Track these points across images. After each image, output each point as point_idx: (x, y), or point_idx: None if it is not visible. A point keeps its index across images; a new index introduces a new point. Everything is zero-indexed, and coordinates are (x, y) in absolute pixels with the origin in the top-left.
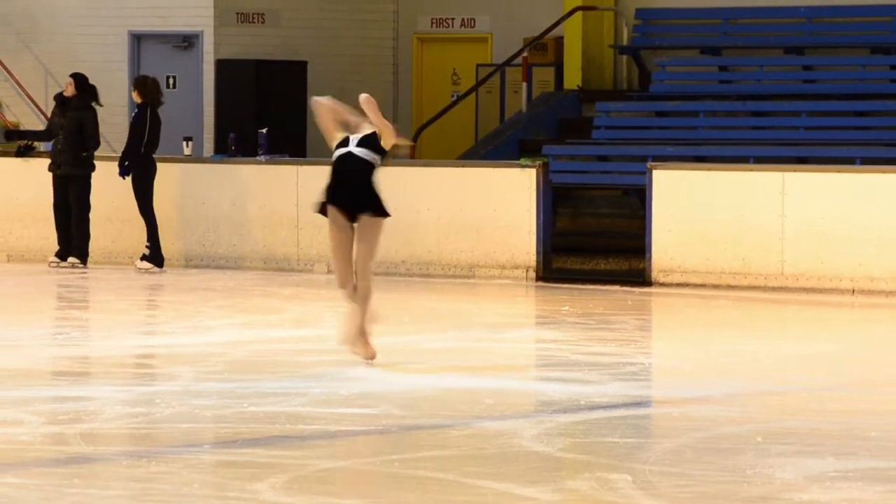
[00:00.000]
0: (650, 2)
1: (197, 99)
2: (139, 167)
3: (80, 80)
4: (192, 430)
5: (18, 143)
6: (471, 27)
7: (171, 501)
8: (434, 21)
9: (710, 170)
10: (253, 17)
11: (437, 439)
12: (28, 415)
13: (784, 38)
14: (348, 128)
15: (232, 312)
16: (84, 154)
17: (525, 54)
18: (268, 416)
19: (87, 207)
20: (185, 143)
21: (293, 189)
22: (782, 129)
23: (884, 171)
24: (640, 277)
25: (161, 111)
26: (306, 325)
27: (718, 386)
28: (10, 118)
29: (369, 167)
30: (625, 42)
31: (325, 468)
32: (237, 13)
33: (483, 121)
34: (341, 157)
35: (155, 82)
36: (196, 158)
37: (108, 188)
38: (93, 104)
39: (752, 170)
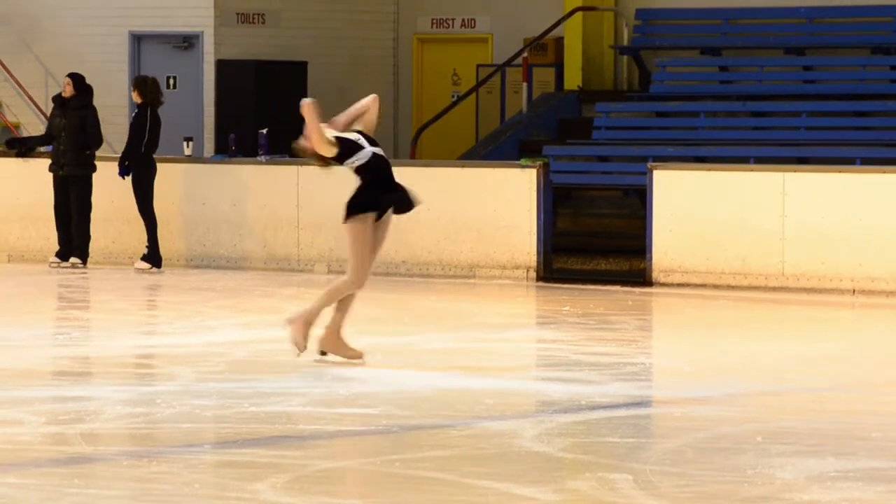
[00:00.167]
0: (650, 2)
1: (197, 99)
2: (139, 167)
3: (77, 79)
4: (193, 431)
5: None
6: (471, 28)
7: (171, 501)
8: (434, 21)
9: (710, 170)
10: (253, 18)
11: (437, 439)
12: (28, 415)
13: (784, 38)
14: (337, 126)
15: (232, 313)
16: (87, 153)
17: (525, 55)
18: (268, 416)
19: (89, 208)
20: (185, 143)
21: (293, 189)
22: (783, 129)
23: (884, 172)
24: (640, 278)
25: (161, 111)
26: None
27: (719, 386)
28: (11, 118)
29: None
30: (625, 42)
31: (325, 468)
32: (237, 14)
33: (483, 121)
34: (378, 158)
35: (155, 82)
36: (196, 159)
37: (109, 188)
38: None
39: (752, 170)
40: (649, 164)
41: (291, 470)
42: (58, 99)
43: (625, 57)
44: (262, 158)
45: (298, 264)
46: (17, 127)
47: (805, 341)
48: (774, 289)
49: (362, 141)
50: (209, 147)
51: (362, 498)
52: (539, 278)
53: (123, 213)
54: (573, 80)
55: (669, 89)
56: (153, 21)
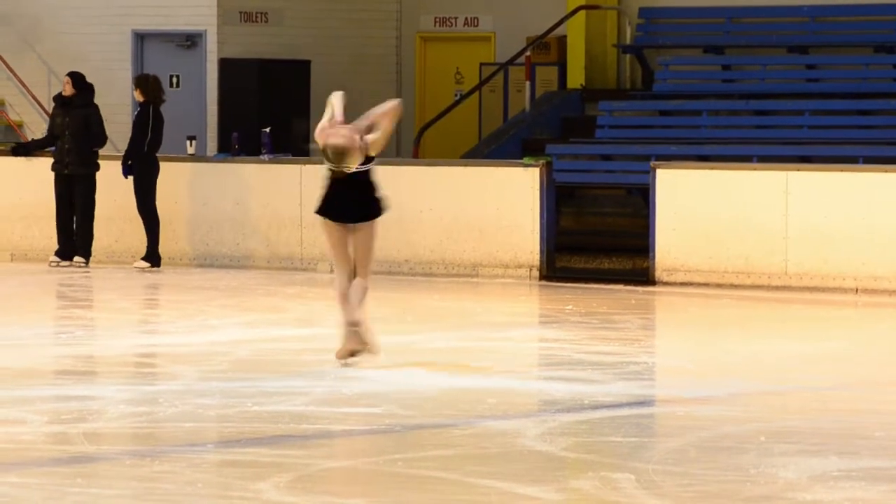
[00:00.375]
0: (653, 1)
1: (200, 98)
2: (142, 166)
3: (77, 78)
4: (196, 430)
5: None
6: (474, 26)
7: (174, 501)
8: (437, 20)
9: (713, 169)
10: (256, 17)
11: (440, 439)
12: (31, 414)
13: (787, 37)
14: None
15: (235, 312)
16: (93, 151)
17: (528, 53)
18: (271, 415)
19: (93, 206)
20: (188, 142)
21: (296, 188)
22: (786, 128)
23: (887, 170)
24: (643, 276)
25: (164, 110)
26: (310, 325)
27: (722, 385)
28: (13, 117)
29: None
30: (628, 41)
31: (328, 467)
32: (240, 12)
33: (486, 120)
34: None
35: (156, 80)
36: (199, 158)
37: (111, 187)
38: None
39: (755, 169)
40: (652, 163)
41: (294, 469)
42: (59, 98)
43: (628, 55)
44: (265, 157)
45: (301, 263)
46: (20, 126)
47: (808, 340)
48: (777, 288)
49: None
50: (212, 146)
51: (365, 497)
52: (542, 277)
53: (126, 212)
54: (576, 78)
55: (672, 88)
56: (156, 20)
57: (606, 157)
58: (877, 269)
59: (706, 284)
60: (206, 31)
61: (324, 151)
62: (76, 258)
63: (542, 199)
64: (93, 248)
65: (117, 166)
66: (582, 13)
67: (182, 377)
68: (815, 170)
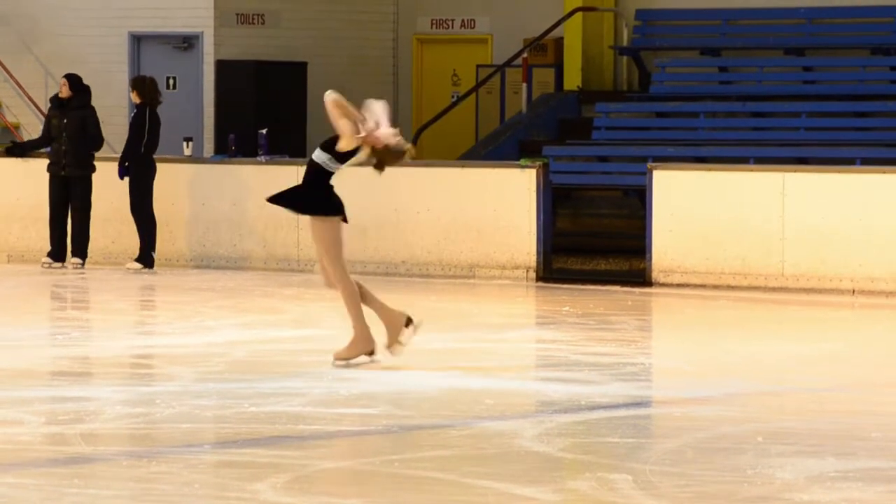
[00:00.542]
0: (650, 3)
1: (197, 100)
2: (139, 167)
3: (74, 79)
4: (193, 431)
5: (11, 142)
6: (471, 28)
7: (171, 501)
8: (434, 22)
9: (710, 170)
10: (253, 18)
11: (437, 439)
12: (28, 415)
13: (784, 38)
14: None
15: (232, 313)
16: (89, 153)
17: (525, 55)
18: (268, 416)
19: (90, 208)
20: (185, 143)
21: None
22: (782, 129)
23: (884, 172)
24: (640, 278)
25: (161, 112)
26: (307, 326)
27: (719, 386)
28: (11, 119)
29: (314, 168)
30: (625, 43)
31: (325, 468)
32: (237, 14)
33: (483, 121)
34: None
35: (153, 82)
36: (196, 159)
37: (108, 189)
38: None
39: (752, 170)
40: (649, 165)
41: (291, 470)
42: (55, 100)
43: (624, 57)
44: (262, 158)
45: (298, 264)
46: (16, 128)
47: (805, 341)
48: (774, 289)
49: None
50: (209, 147)
51: (362, 498)
52: (539, 278)
53: (122, 214)
54: (573, 80)
55: (669, 90)
56: (153, 22)
57: (603, 159)
58: (874, 271)
59: (703, 286)
60: (202, 32)
61: (376, 151)
62: (72, 259)
63: (539, 200)
64: (89, 250)
65: (114, 168)
66: (579, 15)
67: (179, 378)
68: (811, 171)
